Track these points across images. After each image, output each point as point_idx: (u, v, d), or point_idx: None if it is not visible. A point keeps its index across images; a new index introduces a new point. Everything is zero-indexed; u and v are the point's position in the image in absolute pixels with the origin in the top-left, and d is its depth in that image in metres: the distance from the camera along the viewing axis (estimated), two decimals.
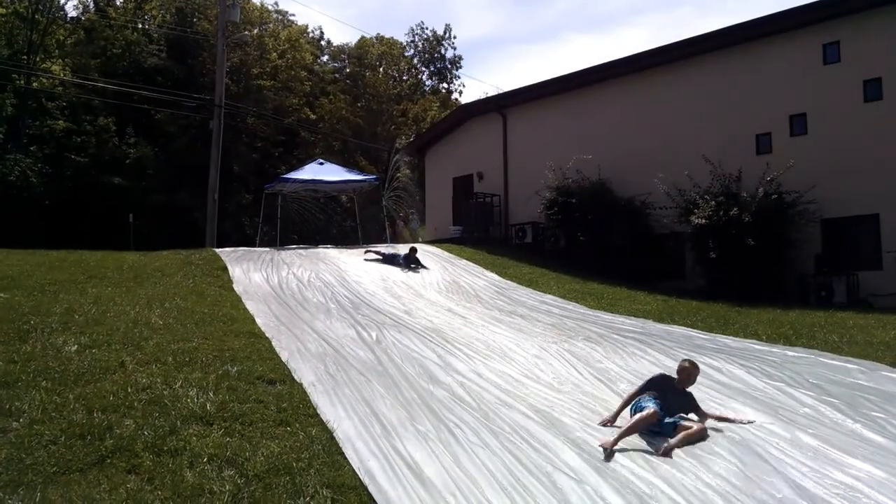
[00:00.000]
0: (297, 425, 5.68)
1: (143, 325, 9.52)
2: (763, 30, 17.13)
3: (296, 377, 7.14)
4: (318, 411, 6.04)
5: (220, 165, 24.32)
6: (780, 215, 15.55)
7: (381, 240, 22.34)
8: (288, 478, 4.59)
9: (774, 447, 5.53)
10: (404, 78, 51.39)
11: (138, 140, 35.22)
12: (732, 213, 15.28)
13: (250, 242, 24.62)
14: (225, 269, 15.13)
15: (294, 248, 19.19)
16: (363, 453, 5.08)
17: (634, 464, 5.16)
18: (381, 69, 49.01)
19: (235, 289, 13.24)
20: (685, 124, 18.37)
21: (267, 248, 18.58)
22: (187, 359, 7.53)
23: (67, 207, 33.02)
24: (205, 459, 4.83)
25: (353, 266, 15.80)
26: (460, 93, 52.17)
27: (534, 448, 5.38)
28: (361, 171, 32.88)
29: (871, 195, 15.25)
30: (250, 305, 11.75)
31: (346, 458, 4.98)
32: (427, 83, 52.38)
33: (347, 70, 49.08)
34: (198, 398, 6.07)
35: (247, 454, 4.96)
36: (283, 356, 8.10)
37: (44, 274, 13.33)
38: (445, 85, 52.56)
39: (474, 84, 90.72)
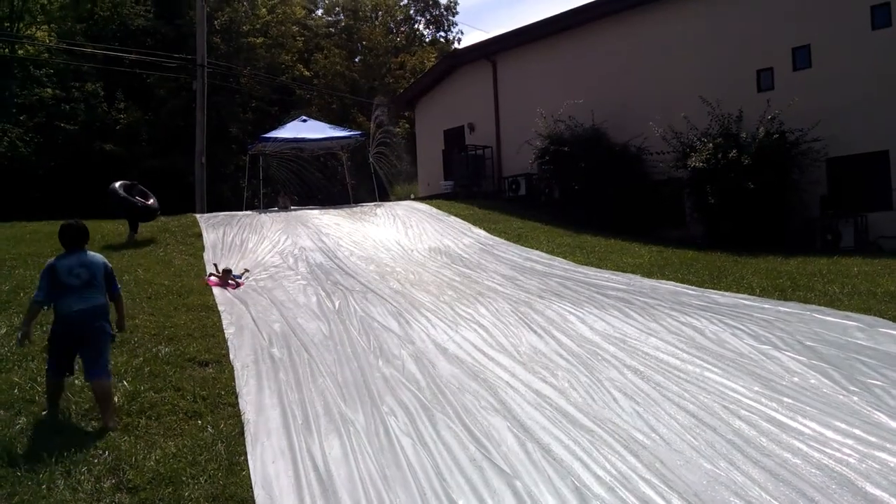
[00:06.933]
0: (209, 418, 5.05)
1: None
2: None
3: (231, 357, 6.52)
4: (240, 399, 5.41)
5: (216, 128, 23.46)
6: (782, 156, 14.54)
7: (372, 198, 21.53)
8: (171, 489, 3.96)
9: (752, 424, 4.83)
10: (401, 29, 49.84)
11: (128, 105, 34.43)
12: (731, 156, 14.33)
13: (250, 205, 23.82)
14: (200, 235, 14.53)
15: (277, 211, 18.51)
16: (269, 454, 4.43)
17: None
18: (377, 21, 47.53)
19: (205, 257, 12.64)
20: (682, 63, 17.21)
21: (249, 212, 17.89)
22: (119, 339, 6.92)
23: (60, 176, 32.42)
24: (84, 469, 4.20)
25: (334, 228, 15.09)
26: (458, 41, 50.49)
27: (474, 438, 4.71)
28: (360, 127, 31.85)
29: (880, 130, 14.21)
30: None
31: (247, 461, 4.33)
32: (424, 33, 50.80)
33: (342, 24, 47.62)
34: None
35: (137, 458, 4.34)
36: (229, 332, 7.51)
37: (10, 248, 12.84)
38: (443, 34, 50.93)
39: (480, 36, 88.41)
